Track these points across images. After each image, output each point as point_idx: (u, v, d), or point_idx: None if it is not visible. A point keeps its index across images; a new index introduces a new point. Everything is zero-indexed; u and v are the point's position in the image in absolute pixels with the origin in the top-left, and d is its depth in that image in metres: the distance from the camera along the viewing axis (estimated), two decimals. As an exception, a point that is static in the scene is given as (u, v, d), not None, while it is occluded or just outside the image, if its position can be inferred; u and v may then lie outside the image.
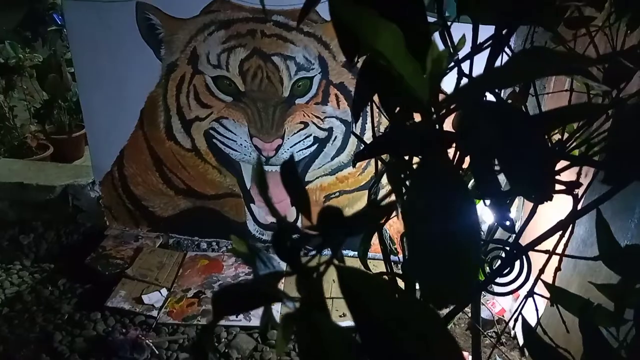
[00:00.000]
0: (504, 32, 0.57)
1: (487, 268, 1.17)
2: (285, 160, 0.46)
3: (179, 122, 2.35)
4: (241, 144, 2.32)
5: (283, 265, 0.42)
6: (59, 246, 2.59)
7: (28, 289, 2.28)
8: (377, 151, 0.96)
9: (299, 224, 2.45)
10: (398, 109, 0.66)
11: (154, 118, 2.37)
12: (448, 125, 0.47)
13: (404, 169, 0.63)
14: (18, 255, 2.51)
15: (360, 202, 2.43)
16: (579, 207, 0.71)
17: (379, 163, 1.04)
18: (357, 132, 2.26)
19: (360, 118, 2.23)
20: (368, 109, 2.20)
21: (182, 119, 2.34)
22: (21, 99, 3.50)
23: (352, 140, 2.28)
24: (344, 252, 2.49)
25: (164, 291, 2.22)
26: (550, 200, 0.40)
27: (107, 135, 2.47)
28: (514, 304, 2.00)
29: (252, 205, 2.50)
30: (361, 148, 1.01)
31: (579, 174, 0.91)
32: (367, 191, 2.39)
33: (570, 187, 0.69)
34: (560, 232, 0.86)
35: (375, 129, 1.03)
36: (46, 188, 2.64)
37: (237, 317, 2.08)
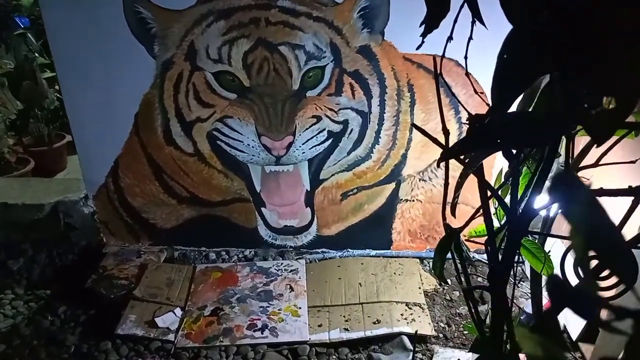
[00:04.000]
0: None
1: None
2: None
3: (179, 124, 2.14)
4: (248, 144, 2.13)
5: None
6: (53, 269, 2.37)
7: (25, 320, 2.06)
8: (478, 145, 0.80)
9: (314, 226, 2.30)
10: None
11: (150, 122, 2.16)
12: None
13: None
14: (8, 283, 2.27)
15: (379, 197, 2.27)
16: None
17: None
18: (375, 123, 2.10)
19: (378, 107, 2.06)
20: (389, 96, 2.04)
21: (182, 121, 2.13)
22: (-6, 111, 3.23)
23: (370, 132, 2.11)
24: (361, 251, 2.34)
25: (178, 311, 2.02)
26: None
27: (98, 144, 2.24)
28: (559, 296, 1.87)
29: (263, 209, 2.32)
30: (454, 143, 0.84)
31: None
32: (386, 186, 2.24)
33: None
34: None
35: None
36: (34, 207, 2.40)
37: (262, 333, 1.91)
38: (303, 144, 2.12)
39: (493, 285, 0.97)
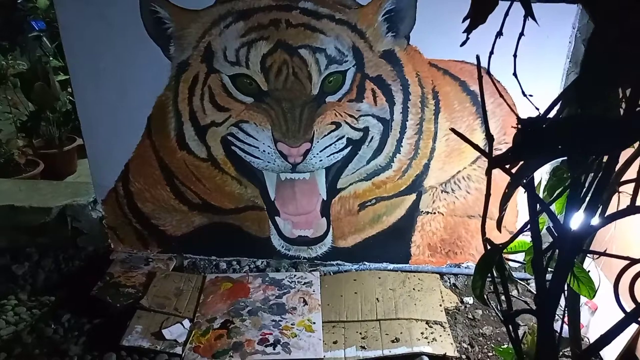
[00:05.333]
0: None
1: None
2: None
3: (193, 128, 2.07)
4: (264, 151, 2.05)
5: None
6: (59, 275, 2.29)
7: (27, 327, 1.98)
8: (535, 151, 0.71)
9: (329, 237, 2.21)
10: None
11: (163, 125, 2.09)
12: None
13: None
14: (12, 288, 2.20)
15: (399, 209, 2.17)
16: None
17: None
18: (397, 131, 2.01)
19: (401, 115, 1.98)
20: (413, 103, 1.96)
21: (196, 125, 2.06)
22: (5, 112, 3.18)
23: (391, 141, 2.03)
24: (378, 265, 2.24)
25: (187, 322, 1.93)
26: None
27: (109, 147, 2.18)
28: (591, 318, 1.76)
29: (276, 218, 2.23)
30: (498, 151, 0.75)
31: None
32: (406, 197, 2.15)
33: None
34: None
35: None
36: (41, 210, 2.33)
37: (274, 349, 1.82)
38: (321, 152, 2.04)
39: (542, 308, 0.88)
